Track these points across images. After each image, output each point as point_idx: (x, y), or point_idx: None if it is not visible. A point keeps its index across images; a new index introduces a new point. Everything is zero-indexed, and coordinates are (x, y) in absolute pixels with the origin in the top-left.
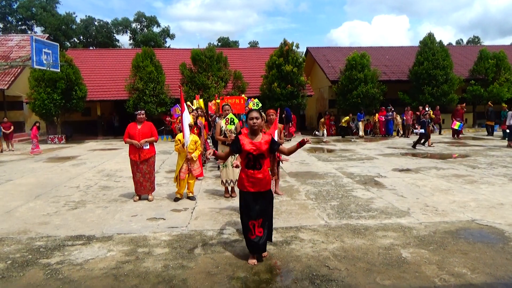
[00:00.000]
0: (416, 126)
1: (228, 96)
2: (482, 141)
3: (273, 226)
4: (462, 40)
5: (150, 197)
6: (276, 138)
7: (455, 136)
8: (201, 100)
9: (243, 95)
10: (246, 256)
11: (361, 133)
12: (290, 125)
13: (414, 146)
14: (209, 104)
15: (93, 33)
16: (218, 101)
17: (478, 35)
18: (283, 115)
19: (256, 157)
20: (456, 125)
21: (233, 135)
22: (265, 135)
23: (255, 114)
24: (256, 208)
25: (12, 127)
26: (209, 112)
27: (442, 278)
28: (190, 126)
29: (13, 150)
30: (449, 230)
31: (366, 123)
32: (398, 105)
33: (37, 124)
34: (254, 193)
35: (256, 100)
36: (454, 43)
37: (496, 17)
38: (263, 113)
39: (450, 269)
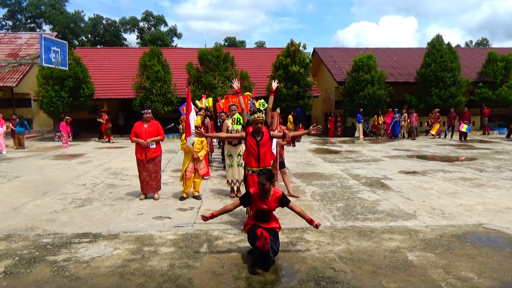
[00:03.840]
0: None
1: (234, 95)
2: (489, 144)
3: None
4: (472, 41)
5: (156, 195)
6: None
7: (463, 138)
8: (210, 99)
9: (248, 93)
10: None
11: (356, 134)
12: (300, 125)
13: None
14: (218, 103)
15: (101, 32)
16: (223, 100)
17: (486, 37)
18: (293, 115)
19: (265, 213)
20: (464, 127)
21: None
22: (275, 191)
23: (261, 179)
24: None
25: None
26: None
27: (449, 282)
28: (197, 126)
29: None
30: (455, 233)
31: (372, 124)
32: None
33: (66, 119)
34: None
35: (262, 100)
36: (462, 45)
37: (504, 19)
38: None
39: (457, 273)
